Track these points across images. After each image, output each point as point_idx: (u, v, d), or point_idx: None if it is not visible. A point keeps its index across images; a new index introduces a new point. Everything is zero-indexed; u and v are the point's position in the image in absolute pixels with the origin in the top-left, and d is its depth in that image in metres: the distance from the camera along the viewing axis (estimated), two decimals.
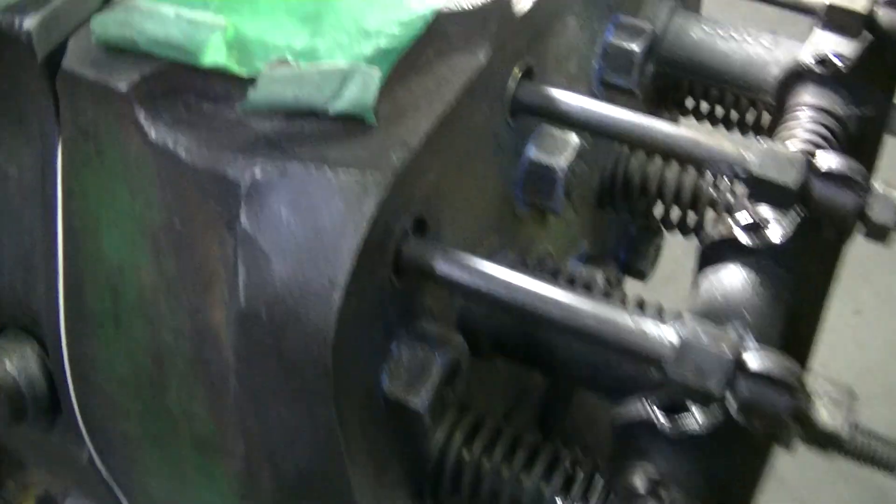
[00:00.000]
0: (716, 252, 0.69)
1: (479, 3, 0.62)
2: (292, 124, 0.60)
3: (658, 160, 0.84)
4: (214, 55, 0.59)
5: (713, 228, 0.69)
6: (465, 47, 0.63)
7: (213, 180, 0.60)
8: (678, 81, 0.87)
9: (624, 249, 0.96)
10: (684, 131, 0.66)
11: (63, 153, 0.66)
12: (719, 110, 0.91)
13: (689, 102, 0.91)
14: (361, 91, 0.58)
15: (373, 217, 0.57)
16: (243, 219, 0.59)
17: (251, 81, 0.60)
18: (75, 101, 0.63)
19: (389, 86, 0.61)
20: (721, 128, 0.91)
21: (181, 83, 0.61)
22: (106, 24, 0.60)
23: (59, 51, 0.64)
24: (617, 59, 0.78)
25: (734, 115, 0.90)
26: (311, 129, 0.60)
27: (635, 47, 0.77)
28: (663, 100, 0.90)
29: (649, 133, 0.66)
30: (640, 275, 0.97)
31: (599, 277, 0.84)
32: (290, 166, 0.58)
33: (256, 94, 0.58)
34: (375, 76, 0.59)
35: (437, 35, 0.62)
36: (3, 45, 0.64)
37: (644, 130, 0.66)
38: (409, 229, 0.61)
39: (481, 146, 0.67)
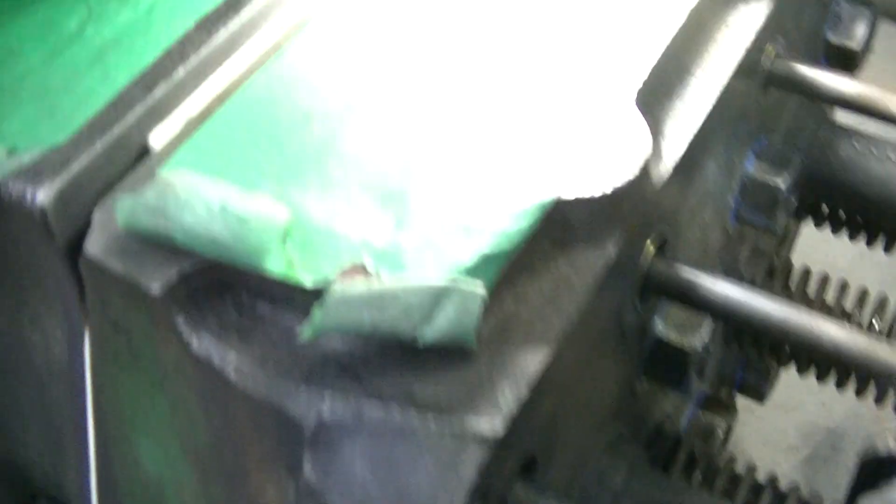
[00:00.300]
0: (877, 471, 0.52)
1: (610, 186, 0.46)
2: (370, 343, 0.44)
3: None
4: (271, 263, 0.43)
5: (874, 442, 0.52)
6: (591, 237, 0.47)
7: (270, 414, 0.44)
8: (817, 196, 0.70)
9: (741, 368, 0.79)
10: (859, 339, 0.49)
11: (91, 341, 0.51)
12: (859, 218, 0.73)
13: (825, 208, 0.73)
14: (459, 317, 0.42)
15: (473, 485, 0.41)
16: (307, 469, 0.44)
17: (317, 291, 0.44)
18: (102, 291, 0.48)
19: (495, 291, 0.45)
20: (862, 237, 0.74)
21: (230, 278, 0.46)
22: (134, 213, 0.45)
23: (81, 224, 0.48)
24: (758, 196, 0.60)
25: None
26: (394, 351, 0.44)
27: (780, 183, 0.60)
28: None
29: (811, 336, 0.49)
30: (759, 396, 0.80)
31: (719, 431, 0.69)
32: (368, 407, 0.43)
33: (325, 318, 0.43)
34: (478, 295, 0.42)
35: (555, 222, 0.46)
36: (13, 217, 0.49)
37: (804, 331, 0.49)
38: (517, 472, 0.45)
39: (604, 341, 0.51)
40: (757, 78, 0.58)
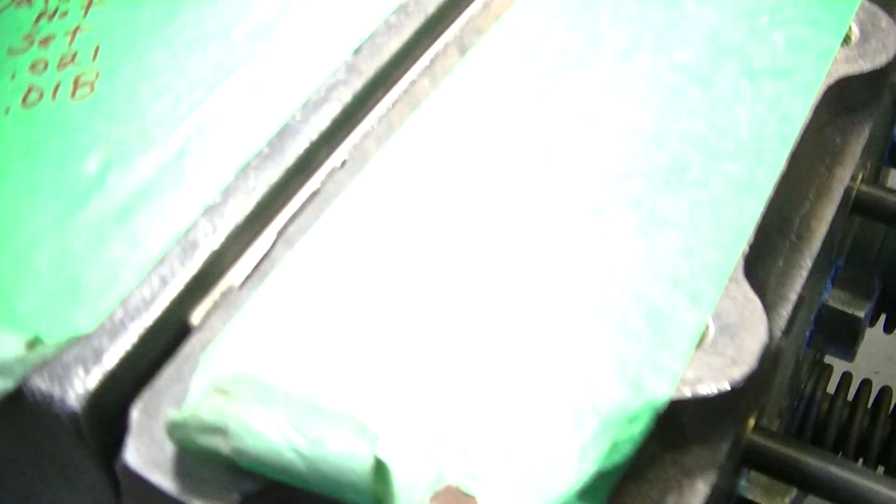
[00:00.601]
0: None
1: (728, 383, 0.39)
2: None
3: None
4: (356, 497, 0.36)
5: None
6: (703, 437, 0.40)
7: None
8: None
9: None
10: None
11: None
12: None
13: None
14: None
15: None
16: None
17: None
18: (144, 501, 0.41)
19: None
20: None
21: (301, 496, 0.39)
22: (187, 431, 0.37)
23: (116, 423, 0.41)
24: (837, 327, 0.54)
25: None
26: None
27: (859, 313, 0.54)
28: None
29: None
30: None
31: None
32: None
33: None
34: None
35: (665, 423, 0.39)
36: (38, 417, 0.41)
37: None
38: None
39: None
40: (847, 208, 0.52)
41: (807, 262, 0.46)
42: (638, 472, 0.40)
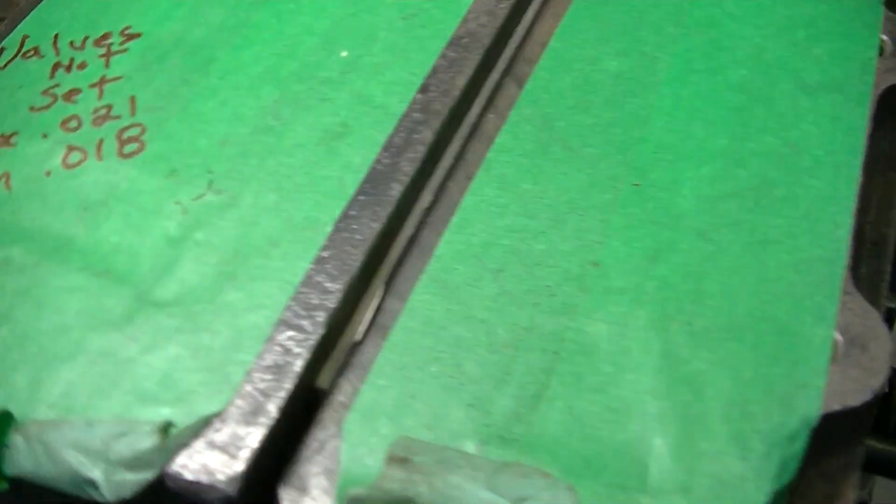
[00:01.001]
0: None
1: (871, 392, 0.41)
2: None
3: None
4: None
5: None
6: (843, 446, 0.41)
7: None
8: None
9: None
10: None
11: None
12: None
13: None
14: None
15: None
16: None
17: None
18: None
19: None
20: None
21: None
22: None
23: (263, 499, 0.39)
24: None
25: None
26: None
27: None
28: None
29: None
30: None
31: None
32: None
33: None
34: None
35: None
36: (179, 499, 0.38)
37: None
38: None
39: None
40: None
41: (887, 267, 0.48)
42: (792, 488, 0.41)
